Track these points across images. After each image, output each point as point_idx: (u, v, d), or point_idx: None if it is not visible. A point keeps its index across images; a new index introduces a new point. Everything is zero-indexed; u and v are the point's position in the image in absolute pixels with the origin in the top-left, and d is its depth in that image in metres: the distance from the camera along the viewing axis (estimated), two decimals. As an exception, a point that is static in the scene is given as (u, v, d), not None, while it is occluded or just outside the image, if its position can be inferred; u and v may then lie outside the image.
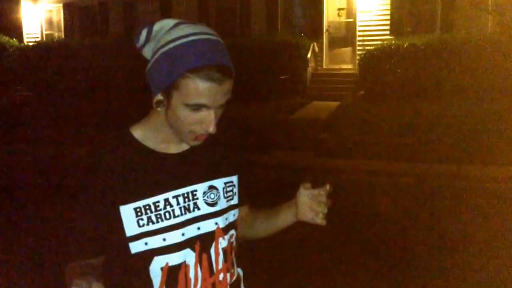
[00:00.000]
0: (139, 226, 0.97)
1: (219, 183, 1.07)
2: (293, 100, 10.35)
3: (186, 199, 1.01)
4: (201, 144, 1.02)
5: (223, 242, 1.06)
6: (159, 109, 0.97)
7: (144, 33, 0.98)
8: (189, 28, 0.94)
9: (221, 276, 1.06)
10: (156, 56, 0.95)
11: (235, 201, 1.11)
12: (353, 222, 4.32)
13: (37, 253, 3.67)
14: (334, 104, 9.71)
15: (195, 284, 1.02)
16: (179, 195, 1.01)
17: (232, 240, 1.09)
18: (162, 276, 0.99)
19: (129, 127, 1.04)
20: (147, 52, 1.00)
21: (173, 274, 0.99)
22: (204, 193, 1.04)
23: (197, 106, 0.93)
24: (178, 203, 1.00)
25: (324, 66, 12.15)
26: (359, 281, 3.23)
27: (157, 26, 0.97)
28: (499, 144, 6.52)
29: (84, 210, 0.99)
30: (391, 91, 9.65)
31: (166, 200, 0.99)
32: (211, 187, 1.05)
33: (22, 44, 14.20)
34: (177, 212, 1.00)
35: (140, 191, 0.97)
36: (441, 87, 9.37)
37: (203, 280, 1.02)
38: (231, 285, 1.08)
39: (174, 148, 1.03)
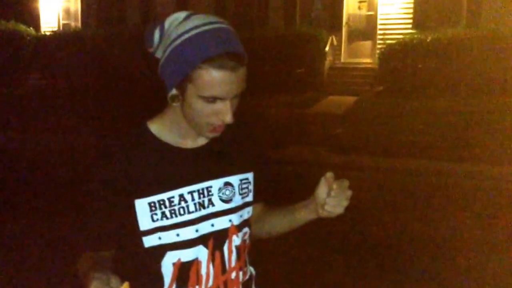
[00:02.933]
0: (153, 221, 0.96)
1: (234, 179, 1.05)
2: (309, 94, 10.08)
3: (201, 195, 1.00)
4: (218, 140, 1.01)
5: (236, 240, 1.04)
6: (174, 104, 0.96)
7: (157, 34, 0.96)
8: (198, 19, 0.93)
9: (233, 274, 1.04)
10: (168, 51, 0.93)
11: (250, 198, 1.09)
12: (366, 219, 4.18)
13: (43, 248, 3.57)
14: (351, 99, 9.43)
15: (207, 281, 1.00)
16: (194, 191, 0.99)
17: (245, 238, 1.07)
18: (174, 272, 0.98)
19: (146, 121, 1.03)
20: (160, 52, 0.97)
21: (184, 270, 0.99)
22: (220, 189, 1.02)
23: (213, 98, 0.91)
24: (193, 199, 0.99)
25: (342, 60, 11.83)
26: (365, 278, 3.11)
27: (167, 23, 0.96)
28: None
29: (98, 201, 0.98)
30: (412, 88, 9.30)
31: (181, 195, 0.98)
32: (227, 184, 1.04)
33: (39, 33, 14.25)
34: (192, 208, 0.99)
35: (155, 186, 0.96)
36: (465, 84, 8.98)
37: (215, 277, 1.01)
38: (243, 283, 1.07)
39: (190, 143, 1.02)
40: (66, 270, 3.09)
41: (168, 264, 0.98)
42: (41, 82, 12.88)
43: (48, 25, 15.04)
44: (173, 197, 0.97)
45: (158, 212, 0.96)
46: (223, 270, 1.02)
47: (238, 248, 1.04)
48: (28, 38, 13.53)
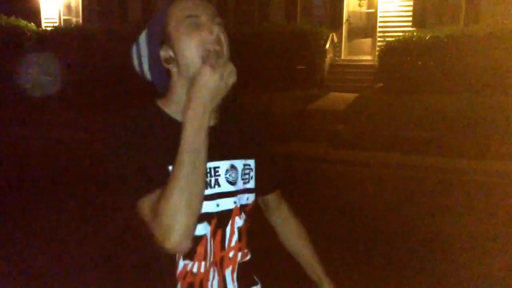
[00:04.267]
0: None
1: (239, 163, 1.07)
2: (310, 90, 10.16)
3: (208, 174, 1.00)
4: (224, 124, 1.04)
5: (239, 222, 1.06)
6: (172, 67, 1.00)
7: (134, 50, 1.05)
8: None
9: (231, 253, 1.06)
10: (144, 41, 1.04)
11: (251, 185, 1.10)
12: (368, 214, 4.21)
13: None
14: (351, 95, 9.51)
15: (210, 257, 1.02)
16: None
17: (247, 221, 1.09)
18: None
19: (154, 99, 1.04)
20: (145, 70, 1.05)
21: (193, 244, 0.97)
22: (227, 171, 1.04)
23: (190, 18, 0.97)
24: None
25: (342, 57, 11.91)
26: (373, 275, 3.13)
27: (141, 37, 1.05)
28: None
29: (124, 155, 0.95)
30: (411, 84, 9.40)
31: None
32: (233, 167, 1.05)
33: (40, 29, 14.23)
34: None
35: (166, 158, 0.94)
36: (464, 81, 9.08)
37: (214, 254, 1.03)
38: (241, 264, 1.08)
39: None
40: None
41: None
42: (43, 77, 12.88)
43: (49, 20, 15.02)
44: None
45: None
46: (222, 247, 1.04)
47: (240, 229, 1.06)
48: (29, 33, 13.53)
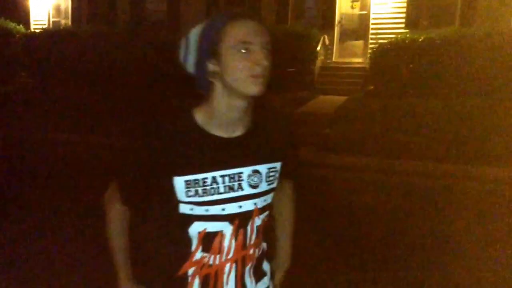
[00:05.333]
0: (187, 196, 1.09)
1: (263, 168, 1.16)
2: (300, 93, 9.95)
3: (232, 179, 1.11)
4: (251, 132, 1.14)
5: (258, 221, 1.17)
6: (216, 80, 1.07)
7: (183, 45, 1.10)
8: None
9: (251, 250, 1.17)
10: (195, 42, 1.08)
11: (274, 185, 1.20)
12: (357, 219, 4.15)
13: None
14: (341, 98, 9.30)
15: (228, 253, 1.13)
16: (225, 175, 1.10)
17: (265, 219, 1.20)
18: (198, 239, 1.11)
19: (194, 108, 1.12)
20: (189, 64, 1.10)
21: (209, 238, 1.11)
22: (249, 176, 1.13)
23: (243, 44, 1.03)
24: (223, 182, 1.10)
25: (334, 59, 11.71)
26: (357, 279, 3.10)
27: (191, 34, 1.09)
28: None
29: (136, 162, 1.12)
30: (403, 87, 9.17)
31: (214, 178, 1.09)
32: (255, 171, 1.14)
33: (29, 31, 14.06)
34: (221, 189, 1.10)
35: (191, 167, 1.07)
36: (457, 84, 8.86)
37: (236, 251, 1.13)
38: (257, 258, 1.20)
39: (227, 133, 1.11)
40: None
41: (194, 232, 1.11)
42: (31, 80, 12.71)
43: (38, 22, 14.86)
44: (206, 178, 1.09)
45: (192, 189, 1.08)
46: (244, 246, 1.14)
47: (258, 228, 1.17)
48: (18, 35, 13.35)
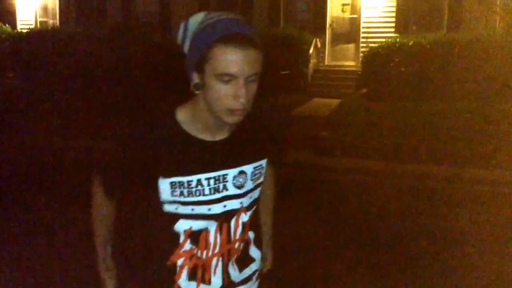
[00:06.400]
0: (172, 196, 1.10)
1: (248, 168, 1.17)
2: (294, 96, 10.05)
3: (217, 181, 1.12)
4: (235, 134, 1.13)
5: (244, 217, 1.19)
6: (197, 92, 1.05)
7: (181, 28, 1.08)
8: (216, 13, 1.05)
9: (236, 244, 1.20)
10: (189, 41, 1.05)
11: (261, 179, 1.22)
12: (352, 222, 4.17)
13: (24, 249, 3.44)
14: (335, 101, 9.43)
15: (214, 248, 1.15)
16: (210, 178, 1.11)
17: (252, 216, 1.22)
18: (185, 236, 1.14)
19: (175, 108, 1.12)
20: (186, 47, 1.07)
21: (194, 236, 1.14)
22: (234, 177, 1.14)
23: (226, 76, 0.99)
24: (208, 184, 1.11)
25: (326, 63, 11.85)
26: (358, 280, 3.12)
27: (191, 20, 1.07)
28: (504, 146, 6.28)
29: (120, 158, 1.13)
30: (394, 90, 9.36)
31: (199, 180, 1.10)
32: (241, 172, 1.15)
33: (15, 31, 13.79)
34: (207, 191, 1.11)
35: (177, 170, 1.08)
36: (446, 87, 9.09)
37: (221, 246, 1.16)
38: (243, 248, 1.22)
39: (211, 136, 1.12)
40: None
41: (180, 230, 1.13)
42: (18, 81, 12.47)
43: (24, 22, 14.59)
44: (191, 180, 1.10)
45: (178, 190, 1.09)
46: (228, 240, 1.17)
47: (244, 223, 1.19)
48: (4, 35, 13.10)
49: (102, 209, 1.22)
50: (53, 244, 3.52)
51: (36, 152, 6.81)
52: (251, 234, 1.26)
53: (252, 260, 1.27)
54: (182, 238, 1.14)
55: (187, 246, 1.14)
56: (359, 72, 10.59)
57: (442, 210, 4.59)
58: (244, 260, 1.24)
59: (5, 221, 4.00)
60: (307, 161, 6.70)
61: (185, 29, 1.07)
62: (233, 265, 1.21)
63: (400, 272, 3.25)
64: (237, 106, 1.01)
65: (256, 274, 1.31)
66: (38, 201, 4.46)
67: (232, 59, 0.98)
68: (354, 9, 11.62)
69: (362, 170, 6.14)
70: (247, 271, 1.26)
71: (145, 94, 10.02)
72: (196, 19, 1.06)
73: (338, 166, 6.40)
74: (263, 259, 1.35)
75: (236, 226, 1.17)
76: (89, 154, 6.33)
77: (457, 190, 5.25)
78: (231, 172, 1.13)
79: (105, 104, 9.21)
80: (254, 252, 1.28)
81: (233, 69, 0.98)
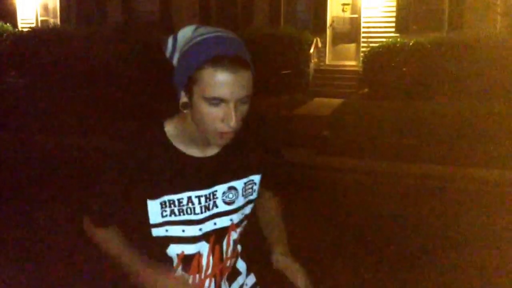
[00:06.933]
0: (162, 216, 1.06)
1: (239, 183, 1.13)
2: (295, 96, 10.07)
3: (207, 199, 1.09)
4: (225, 149, 1.08)
5: (234, 235, 1.16)
6: (185, 111, 1.01)
7: (170, 42, 1.05)
8: (205, 29, 1.00)
9: (228, 262, 1.18)
10: (178, 57, 1.01)
11: (253, 196, 1.19)
12: (354, 221, 4.18)
13: (23, 249, 3.45)
14: (336, 101, 9.47)
15: (207, 270, 1.13)
16: (201, 196, 1.08)
17: (242, 231, 1.19)
18: (178, 260, 1.11)
19: (163, 121, 1.08)
20: (175, 61, 1.04)
21: (187, 261, 1.11)
22: (224, 193, 1.11)
23: (215, 100, 0.94)
24: (199, 202, 1.08)
25: (327, 62, 11.87)
26: (359, 280, 3.13)
27: (180, 33, 1.04)
28: (504, 146, 6.31)
29: (110, 183, 1.08)
30: (395, 90, 9.40)
31: (189, 198, 1.07)
32: (231, 188, 1.12)
33: (16, 30, 13.81)
34: (197, 210, 1.08)
35: (166, 188, 1.05)
36: (447, 87, 9.14)
37: (214, 266, 1.14)
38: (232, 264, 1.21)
39: (200, 152, 1.08)
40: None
41: (172, 254, 1.10)
42: (20, 79, 12.49)
43: (25, 21, 14.59)
44: (182, 198, 1.07)
45: (168, 209, 1.06)
46: (220, 260, 1.15)
47: (235, 241, 1.17)
48: (5, 34, 13.11)
49: (112, 233, 1.17)
50: (54, 244, 3.54)
51: (37, 150, 6.83)
52: (239, 247, 1.23)
53: (238, 273, 1.24)
54: (175, 262, 1.12)
55: (179, 272, 1.12)
56: (360, 72, 10.63)
57: (442, 210, 4.60)
58: (232, 274, 1.22)
59: (6, 220, 4.02)
60: (308, 160, 6.72)
61: (174, 43, 1.03)
62: (224, 283, 1.19)
63: (400, 271, 3.26)
64: (226, 129, 0.97)
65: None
66: (39, 200, 4.47)
67: (222, 82, 0.92)
68: (355, 8, 11.64)
69: (363, 170, 6.16)
70: (235, 286, 1.23)
71: (144, 93, 10.04)
72: (185, 34, 1.02)
73: (339, 165, 6.41)
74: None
75: (228, 245, 1.15)
76: (90, 153, 6.36)
77: (457, 190, 5.26)
78: (220, 188, 1.10)
79: (105, 102, 9.23)
80: (240, 265, 1.25)
81: (223, 92, 0.93)
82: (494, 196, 5.00)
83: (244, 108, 0.98)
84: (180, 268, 1.11)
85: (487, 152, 6.27)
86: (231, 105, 0.94)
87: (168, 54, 1.05)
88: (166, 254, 1.11)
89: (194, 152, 1.07)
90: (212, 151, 1.09)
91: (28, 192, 4.82)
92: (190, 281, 1.12)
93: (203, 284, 1.14)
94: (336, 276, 3.17)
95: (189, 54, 0.96)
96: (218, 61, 0.92)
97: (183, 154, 1.06)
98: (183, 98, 0.99)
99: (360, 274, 3.21)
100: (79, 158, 6.29)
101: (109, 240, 1.16)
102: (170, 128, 1.07)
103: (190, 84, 0.96)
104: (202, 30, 1.00)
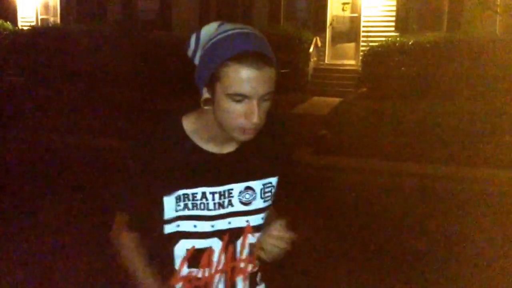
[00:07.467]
0: (176, 211, 1.06)
1: (256, 184, 1.12)
2: (294, 95, 10.08)
3: (222, 197, 1.09)
4: (244, 147, 1.08)
5: (251, 239, 1.12)
6: (206, 108, 1.01)
7: (192, 40, 1.04)
8: (229, 25, 1.00)
9: (242, 264, 1.14)
10: (201, 54, 1.01)
11: (270, 202, 1.17)
12: (352, 221, 4.18)
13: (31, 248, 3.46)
14: (335, 100, 9.47)
15: (218, 266, 1.11)
16: (215, 192, 1.08)
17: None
18: (187, 254, 1.09)
19: (181, 116, 1.09)
20: (197, 59, 1.04)
21: (197, 254, 1.09)
22: (240, 192, 1.10)
23: (239, 96, 0.95)
24: (213, 199, 1.08)
25: (326, 61, 11.88)
26: (360, 281, 3.12)
27: (203, 31, 1.03)
28: (503, 145, 6.31)
29: (136, 184, 1.09)
30: (394, 89, 9.41)
31: (203, 193, 1.07)
32: (248, 188, 1.11)
33: (17, 28, 13.82)
34: (211, 206, 1.07)
35: (182, 183, 1.05)
36: (446, 86, 9.14)
37: (226, 264, 1.11)
38: (250, 274, 1.16)
39: (218, 149, 1.08)
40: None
41: (182, 248, 1.08)
42: (19, 77, 12.51)
43: (25, 20, 14.61)
44: (196, 193, 1.07)
45: (182, 203, 1.06)
46: (233, 258, 1.12)
47: (252, 245, 1.12)
48: (5, 33, 13.12)
49: (134, 242, 1.14)
50: (56, 244, 3.54)
51: (37, 149, 6.84)
52: (257, 263, 1.19)
53: (258, 284, 1.22)
54: (178, 263, 1.10)
55: (185, 271, 1.10)
56: (359, 71, 10.63)
57: (442, 209, 4.59)
58: (252, 284, 1.19)
59: (8, 220, 4.02)
60: (306, 159, 6.72)
61: (197, 40, 1.03)
62: (243, 281, 1.16)
63: (400, 271, 3.25)
64: (249, 125, 0.97)
65: None
66: (40, 199, 4.48)
67: (246, 79, 0.93)
68: (355, 8, 11.65)
69: (361, 169, 6.16)
70: None
71: (145, 91, 10.06)
72: (208, 30, 1.02)
73: (338, 164, 6.42)
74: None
75: (243, 246, 1.12)
76: (91, 151, 6.37)
77: (457, 190, 5.25)
78: (237, 187, 1.10)
79: (106, 101, 9.24)
80: (258, 279, 1.23)
81: (247, 89, 0.94)
82: (495, 196, 4.98)
83: (267, 104, 0.99)
84: (185, 265, 1.09)
85: (486, 152, 6.26)
86: (254, 101, 0.95)
87: (190, 52, 1.05)
88: (171, 252, 1.09)
89: (211, 148, 1.07)
90: (229, 148, 1.09)
91: (29, 191, 4.81)
92: (200, 275, 1.10)
93: (212, 278, 1.12)
94: (336, 275, 3.16)
95: (213, 51, 0.96)
96: (242, 58, 0.93)
97: (201, 149, 1.07)
98: (205, 95, 1.00)
99: (360, 273, 3.19)
100: (80, 156, 6.30)
101: (132, 249, 1.14)
102: (188, 123, 1.08)
103: (213, 80, 0.96)
104: (226, 26, 1.00)
